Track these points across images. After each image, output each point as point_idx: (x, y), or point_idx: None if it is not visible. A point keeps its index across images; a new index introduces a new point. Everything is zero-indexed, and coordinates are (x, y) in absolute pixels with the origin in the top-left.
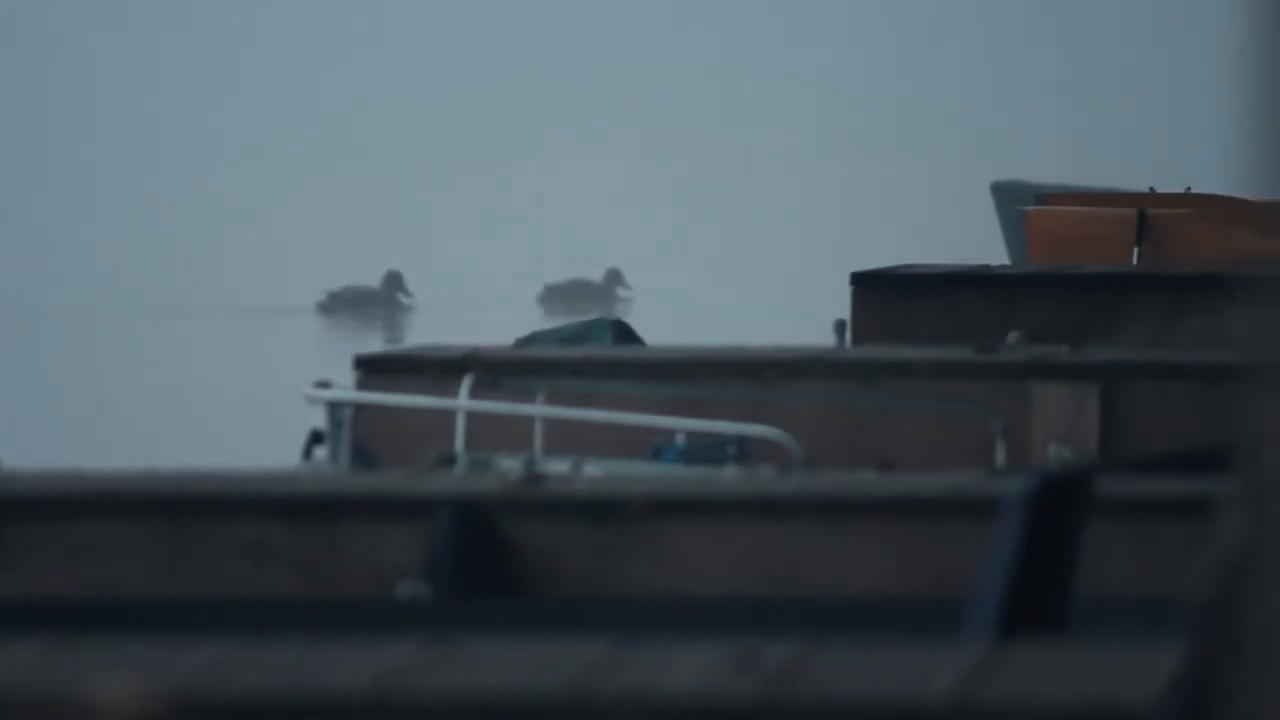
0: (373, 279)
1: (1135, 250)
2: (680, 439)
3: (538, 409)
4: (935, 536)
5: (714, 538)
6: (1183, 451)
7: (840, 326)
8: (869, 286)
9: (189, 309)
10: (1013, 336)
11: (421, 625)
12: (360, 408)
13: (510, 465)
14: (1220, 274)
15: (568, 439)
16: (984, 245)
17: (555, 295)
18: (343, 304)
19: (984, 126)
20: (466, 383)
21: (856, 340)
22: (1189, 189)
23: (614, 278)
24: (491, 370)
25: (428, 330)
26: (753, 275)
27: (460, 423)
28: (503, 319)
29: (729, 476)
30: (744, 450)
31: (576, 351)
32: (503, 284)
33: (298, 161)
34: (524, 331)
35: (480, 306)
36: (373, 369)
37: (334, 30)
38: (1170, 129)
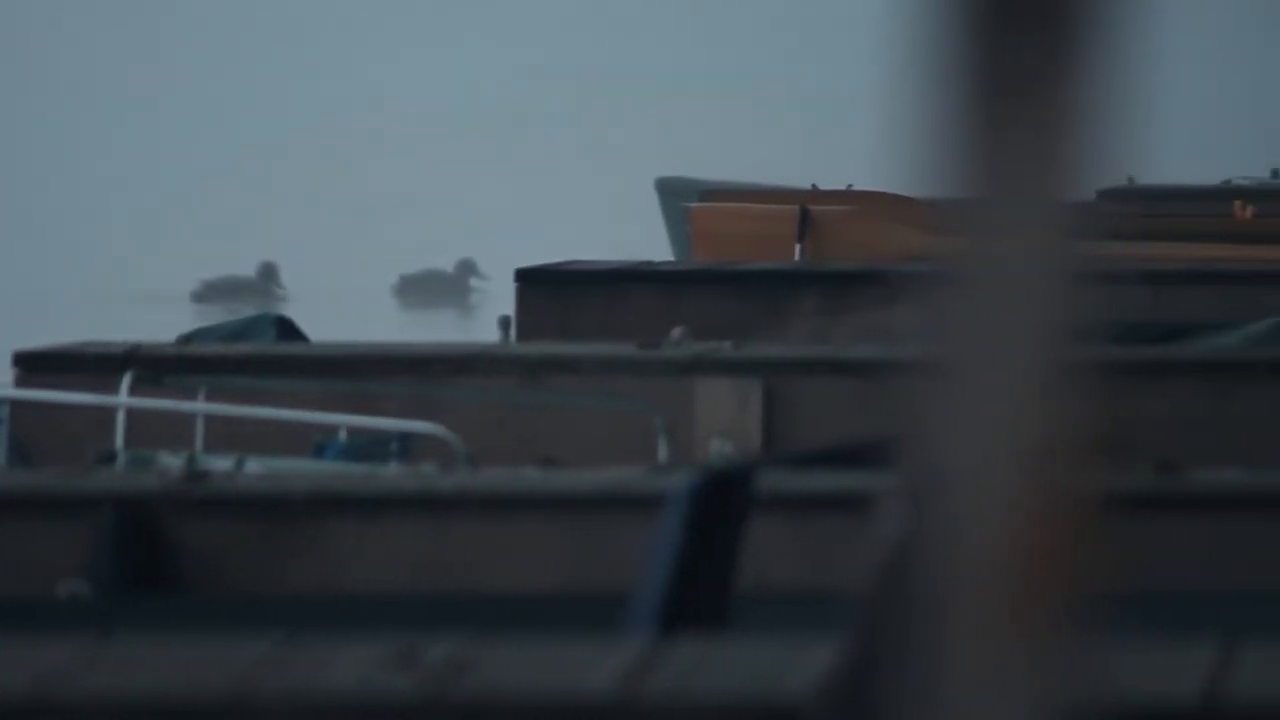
0: (248, 269)
1: (798, 247)
2: (342, 436)
3: (199, 406)
4: (598, 533)
5: (377, 534)
6: (844, 446)
7: (505, 323)
8: (533, 283)
9: (63, 294)
10: (676, 333)
11: (82, 624)
12: (19, 405)
13: (171, 462)
14: (882, 270)
15: (230, 436)
16: (649, 242)
17: (410, 286)
18: (217, 293)
19: (648, 123)
20: (127, 379)
21: (521, 337)
22: (851, 186)
23: (466, 268)
24: (152, 367)
25: (300, 322)
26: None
27: (120, 420)
28: (360, 311)
29: (391, 473)
30: (406, 447)
31: (238, 348)
32: (366, 275)
33: (183, 147)
34: (383, 324)
35: (344, 299)
36: (32, 365)
37: (207, 16)
38: (833, 127)
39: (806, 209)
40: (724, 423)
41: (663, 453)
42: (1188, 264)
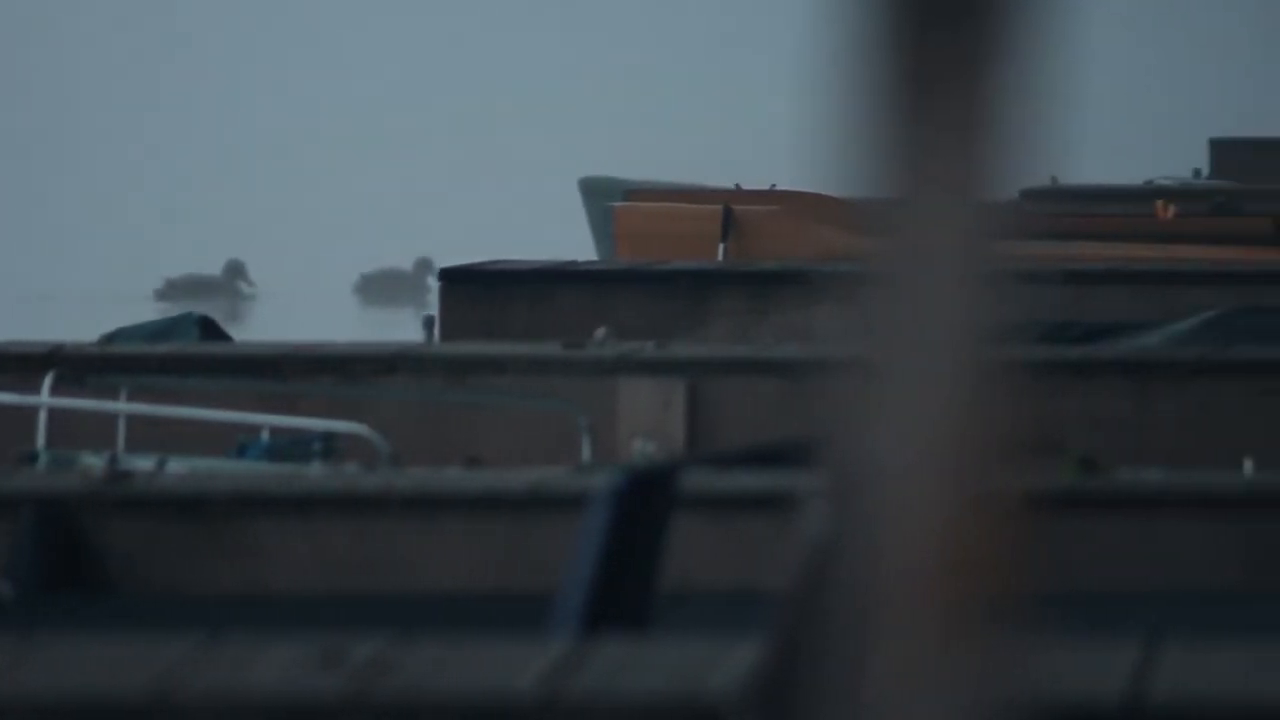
0: (215, 267)
1: (721, 247)
2: (265, 435)
3: (121, 406)
4: (522, 532)
5: (300, 534)
6: (768, 446)
7: (429, 322)
8: (457, 282)
9: (28, 295)
10: (600, 332)
11: (3, 624)
12: None
13: (93, 463)
14: (805, 270)
15: (153, 436)
16: (573, 241)
17: (370, 285)
18: (181, 292)
19: (572, 122)
20: (49, 379)
21: (445, 336)
22: (774, 186)
23: (424, 266)
24: (75, 366)
25: (264, 320)
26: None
27: (42, 419)
28: (321, 309)
29: (314, 473)
30: (330, 447)
31: (161, 347)
32: (330, 273)
33: (151, 145)
34: (342, 323)
35: (309, 297)
36: None
37: (169, 14)
38: (757, 127)
39: (730, 209)
40: (647, 422)
41: (586, 452)
42: (1110, 264)
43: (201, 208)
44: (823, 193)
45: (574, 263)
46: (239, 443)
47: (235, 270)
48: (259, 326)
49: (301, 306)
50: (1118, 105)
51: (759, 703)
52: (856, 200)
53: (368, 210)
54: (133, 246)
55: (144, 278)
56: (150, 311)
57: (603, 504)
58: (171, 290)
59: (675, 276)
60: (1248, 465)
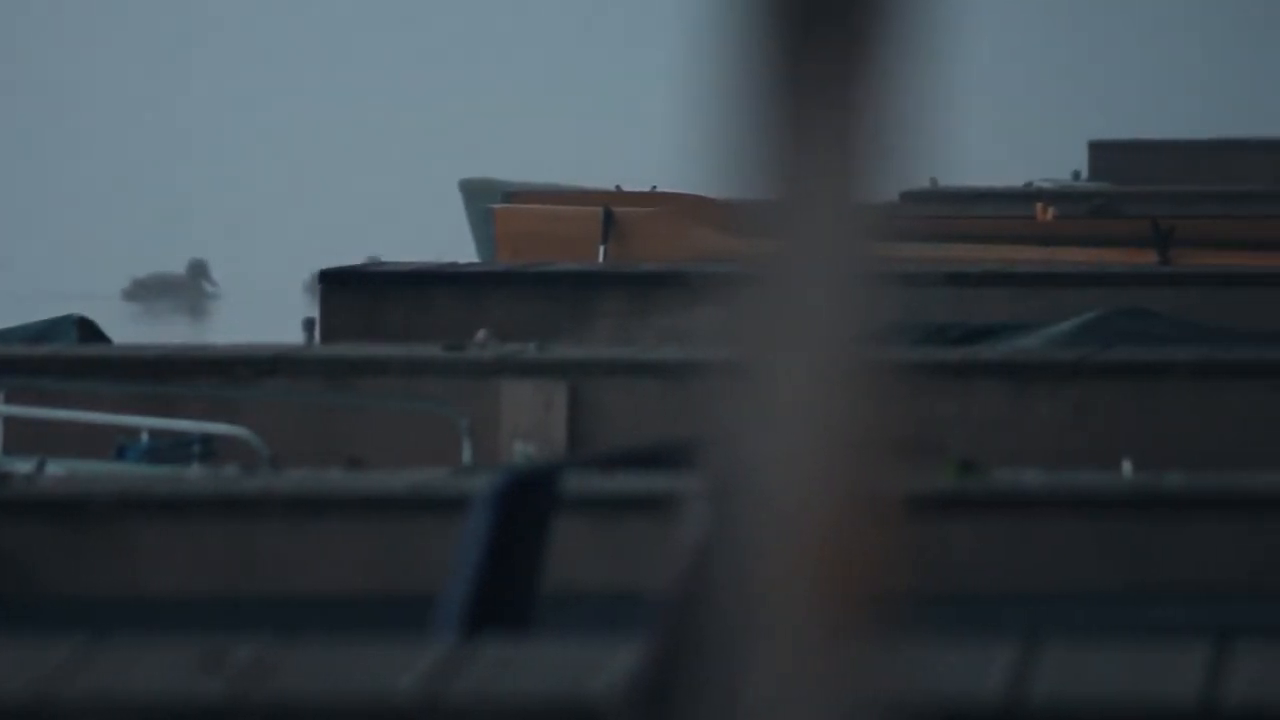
0: (179, 266)
1: (601, 248)
2: (145, 438)
3: None
4: (403, 534)
5: (180, 537)
6: (649, 448)
7: (309, 324)
8: (337, 284)
9: None
10: (481, 334)
11: None
12: None
13: None
14: (685, 272)
15: (31, 438)
16: (453, 243)
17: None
18: (148, 291)
19: (453, 123)
20: None
21: (326, 338)
22: (654, 188)
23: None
24: None
25: (225, 318)
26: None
27: None
28: (276, 308)
29: (194, 475)
30: (209, 449)
31: (40, 349)
32: (289, 272)
33: (119, 146)
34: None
35: (270, 296)
36: None
37: (135, 14)
38: (637, 129)
39: (610, 210)
40: (528, 424)
41: (467, 454)
42: (990, 266)
43: (167, 206)
44: (703, 195)
45: (455, 264)
46: (118, 445)
47: (198, 270)
48: (222, 326)
49: (260, 306)
50: (998, 107)
51: (640, 704)
52: (736, 202)
53: (326, 209)
54: (102, 246)
55: (113, 277)
56: (121, 312)
57: (484, 506)
58: (139, 290)
59: (556, 278)
60: (1126, 466)
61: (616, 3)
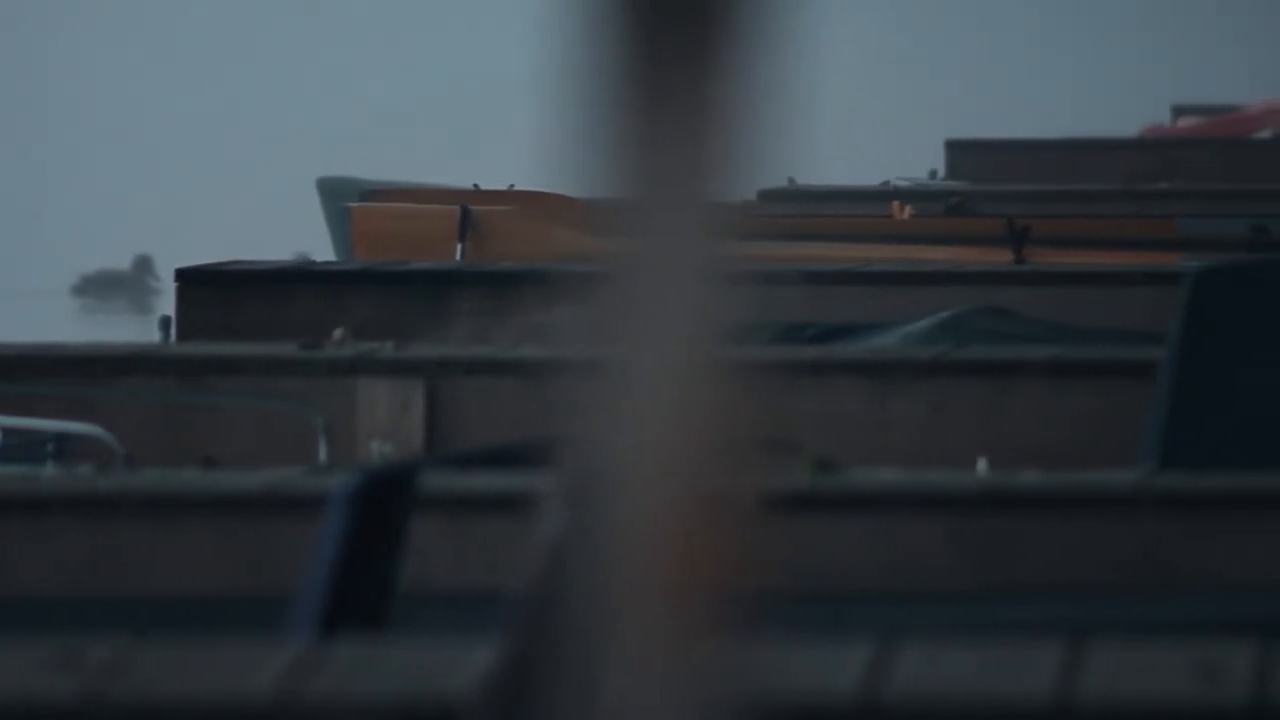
0: (124, 262)
1: (459, 247)
2: None
3: None
4: (259, 533)
5: (34, 536)
6: (506, 447)
7: (165, 323)
8: (194, 283)
9: None
10: (338, 333)
11: None
12: None
13: None
14: (543, 271)
15: None
16: (311, 242)
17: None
18: (96, 287)
19: (310, 122)
20: None
21: (182, 337)
22: (512, 186)
23: (142, 265)
24: None
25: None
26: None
27: None
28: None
29: (48, 475)
30: (63, 448)
31: None
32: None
33: (59, 142)
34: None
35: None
36: None
37: (69, 12)
38: (493, 126)
39: (468, 209)
40: (386, 423)
41: (323, 453)
42: (847, 264)
43: (115, 201)
44: (560, 193)
45: (312, 263)
46: None
47: (143, 265)
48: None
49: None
50: (855, 106)
51: (496, 703)
52: (593, 201)
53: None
54: (51, 243)
55: (62, 274)
56: (69, 308)
57: (340, 505)
58: (87, 285)
59: (413, 277)
60: (982, 464)
61: (475, 2)
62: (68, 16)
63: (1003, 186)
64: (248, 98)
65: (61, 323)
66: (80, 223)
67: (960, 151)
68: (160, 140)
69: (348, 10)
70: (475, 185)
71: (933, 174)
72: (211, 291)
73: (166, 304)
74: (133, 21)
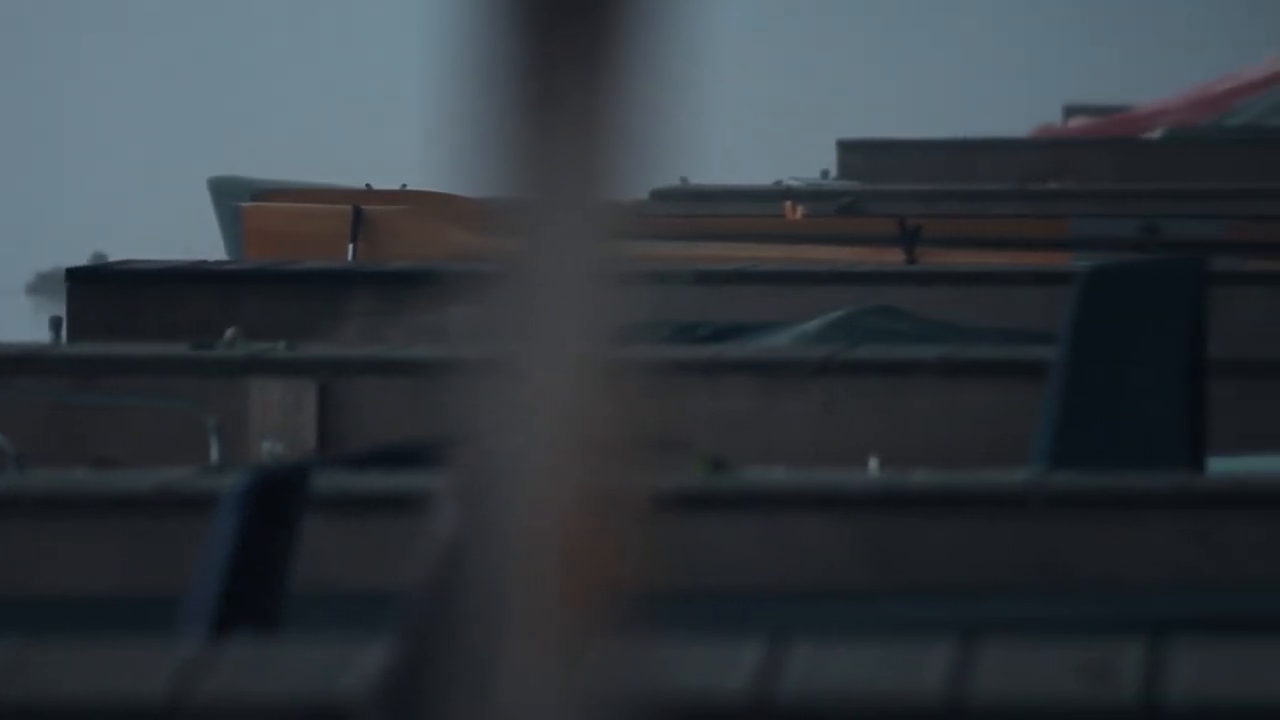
0: (80, 260)
1: (351, 247)
2: None
3: None
4: (151, 534)
5: None
6: (399, 446)
7: (55, 323)
8: (85, 282)
9: None
10: (230, 333)
11: None
12: None
13: None
14: (436, 270)
15: None
16: (203, 241)
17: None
18: (52, 285)
19: (202, 121)
20: None
21: (73, 337)
22: (405, 186)
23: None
24: None
25: None
26: None
27: None
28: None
29: None
30: None
31: None
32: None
33: (12, 138)
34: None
35: None
36: None
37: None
38: (387, 127)
39: (360, 209)
40: (278, 423)
41: (215, 453)
42: (739, 264)
43: (71, 199)
44: (452, 193)
45: (204, 262)
46: None
47: (99, 262)
48: None
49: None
50: (748, 106)
51: (389, 702)
52: (485, 201)
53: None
54: (5, 241)
55: (18, 272)
56: (25, 306)
57: (231, 505)
58: (43, 283)
59: (305, 276)
60: (873, 464)
61: (364, 1)
62: (24, 10)
63: (895, 186)
64: (142, 96)
65: (16, 321)
66: (35, 221)
67: (852, 151)
68: (118, 136)
69: (241, 8)
70: (367, 185)
71: (825, 174)
72: (103, 291)
73: None
74: (84, 13)
